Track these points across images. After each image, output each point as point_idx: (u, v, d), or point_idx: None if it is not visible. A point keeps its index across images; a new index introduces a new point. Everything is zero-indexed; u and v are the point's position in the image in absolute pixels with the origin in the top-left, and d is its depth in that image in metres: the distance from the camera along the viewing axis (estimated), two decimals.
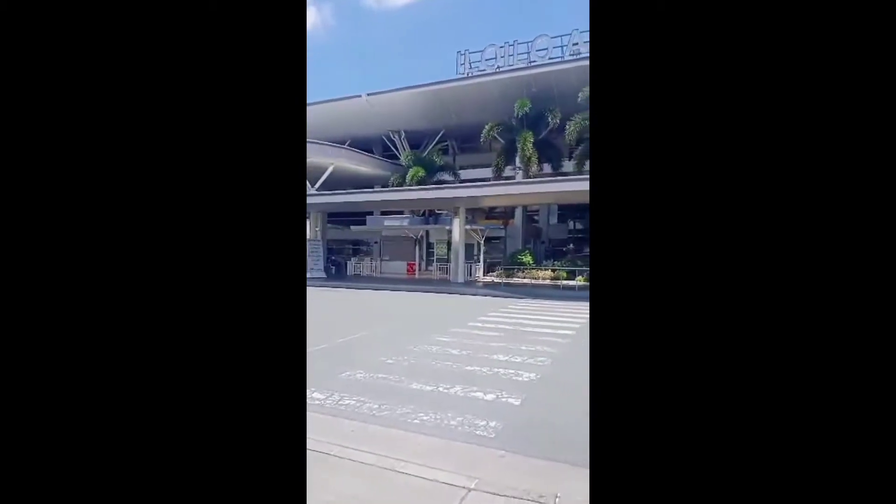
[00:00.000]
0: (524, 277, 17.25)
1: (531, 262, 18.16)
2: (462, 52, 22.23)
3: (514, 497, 2.41)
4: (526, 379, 4.94)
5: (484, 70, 21.61)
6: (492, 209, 22.33)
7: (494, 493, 2.45)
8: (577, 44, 20.02)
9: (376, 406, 3.97)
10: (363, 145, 24.39)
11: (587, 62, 18.87)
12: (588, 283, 15.73)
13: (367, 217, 23.75)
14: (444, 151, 24.25)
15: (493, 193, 17.07)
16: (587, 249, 21.66)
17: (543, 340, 7.07)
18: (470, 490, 2.48)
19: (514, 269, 17.90)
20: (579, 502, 2.36)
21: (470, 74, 21.86)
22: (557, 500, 2.38)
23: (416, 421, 3.66)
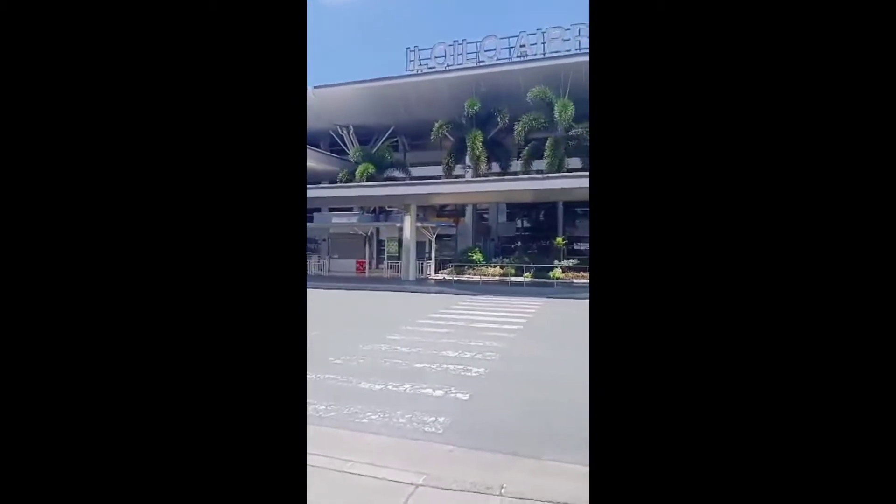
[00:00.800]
0: (474, 274, 17.50)
1: (481, 259, 18.45)
2: (412, 49, 22.12)
3: (460, 490, 2.45)
4: (475, 374, 5.03)
5: (433, 67, 21.63)
6: (443, 207, 22.41)
7: (441, 488, 2.47)
8: (523, 45, 20.53)
9: (323, 407, 3.88)
10: (309, 139, 23.55)
11: (534, 64, 19.45)
12: (534, 279, 16.29)
13: (314, 214, 23.06)
14: (395, 148, 24.02)
15: (448, 191, 17.18)
16: (534, 246, 22.35)
17: (492, 336, 7.21)
18: (418, 486, 2.49)
19: (464, 266, 18.11)
20: (524, 492, 2.45)
21: (420, 71, 21.80)
22: (503, 490, 2.45)
23: (364, 420, 3.62)
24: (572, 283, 15.94)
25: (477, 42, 21.16)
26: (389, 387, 4.51)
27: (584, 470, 2.98)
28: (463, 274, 17.66)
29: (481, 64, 20.82)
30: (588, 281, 17.14)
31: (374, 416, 3.70)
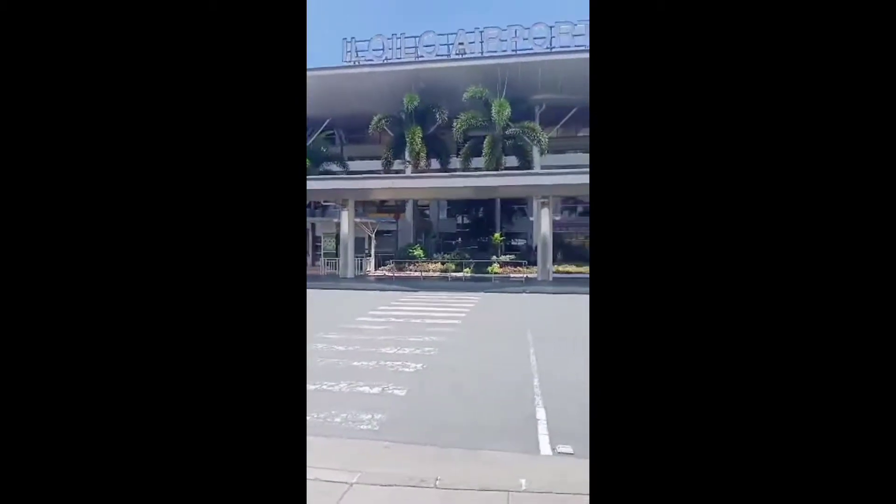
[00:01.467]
0: (415, 270, 17.49)
1: (422, 255, 18.47)
2: (348, 40, 21.57)
3: (395, 485, 2.45)
4: (412, 369, 5.04)
5: (371, 60, 21.23)
6: (383, 202, 22.12)
7: (376, 484, 2.46)
8: (462, 43, 20.72)
9: None
10: None
11: (473, 62, 19.71)
12: (474, 274, 16.61)
13: None
14: (331, 141, 23.30)
15: (387, 186, 16.96)
16: (474, 242, 22.79)
17: (431, 331, 7.25)
18: (351, 485, 2.46)
19: (405, 262, 18.02)
20: (457, 483, 2.49)
21: (357, 63, 21.30)
22: (437, 482, 2.48)
23: None
24: (509, 277, 16.43)
25: (416, 37, 21.08)
26: (324, 386, 4.40)
27: (515, 457, 3.10)
28: (404, 270, 17.58)
29: (420, 59, 20.74)
30: (523, 275, 17.68)
31: (307, 418, 3.58)
